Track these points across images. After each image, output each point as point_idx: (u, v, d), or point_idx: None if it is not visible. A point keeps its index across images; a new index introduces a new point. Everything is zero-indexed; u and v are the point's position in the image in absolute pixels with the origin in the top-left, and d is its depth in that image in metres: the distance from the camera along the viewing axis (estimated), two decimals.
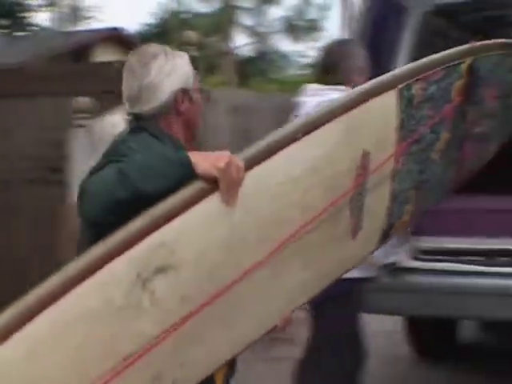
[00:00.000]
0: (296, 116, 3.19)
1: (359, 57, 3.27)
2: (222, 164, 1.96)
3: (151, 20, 23.98)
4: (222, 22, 18.22)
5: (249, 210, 2.05)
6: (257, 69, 18.43)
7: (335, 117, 2.27)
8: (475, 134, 2.98)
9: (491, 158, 3.44)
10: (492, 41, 2.89)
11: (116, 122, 2.53)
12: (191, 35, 4.99)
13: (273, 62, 17.64)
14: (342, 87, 3.13)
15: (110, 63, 5.67)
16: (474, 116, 2.87)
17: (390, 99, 2.42)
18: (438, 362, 5.13)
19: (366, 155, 2.38)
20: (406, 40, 4.44)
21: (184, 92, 2.25)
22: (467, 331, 5.59)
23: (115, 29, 18.90)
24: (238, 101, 6.80)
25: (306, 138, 2.18)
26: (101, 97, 4.87)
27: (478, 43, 2.78)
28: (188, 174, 1.95)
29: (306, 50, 19.17)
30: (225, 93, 7.95)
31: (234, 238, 2.05)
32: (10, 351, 1.68)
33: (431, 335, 5.28)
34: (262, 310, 2.25)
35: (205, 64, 4.58)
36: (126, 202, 1.92)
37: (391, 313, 4.43)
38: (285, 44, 18.69)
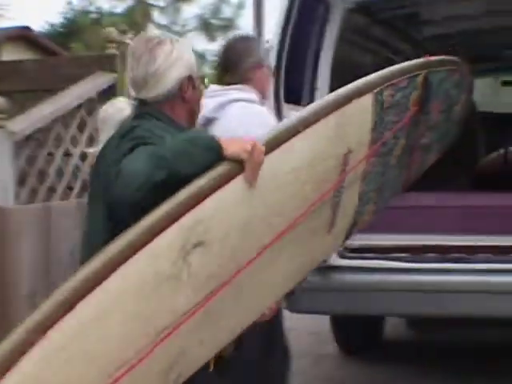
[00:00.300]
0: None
1: (259, 54, 3.11)
2: (249, 147, 2.04)
3: (60, 19, 23.45)
4: (134, 20, 17.98)
5: (261, 196, 2.15)
6: None
7: (328, 113, 2.33)
8: (421, 144, 3.04)
9: None
10: (445, 57, 3.01)
11: (122, 106, 2.55)
12: (112, 32, 4.84)
13: None
14: (242, 86, 3.01)
15: (21, 62, 5.50)
16: (423, 127, 2.95)
17: (367, 102, 2.51)
18: (365, 359, 5.14)
19: (348, 153, 2.46)
20: (329, 36, 4.43)
21: (189, 79, 2.33)
22: (394, 328, 5.62)
23: (24, 28, 18.41)
24: None
25: (306, 131, 2.24)
26: (16, 96, 4.71)
27: (433, 58, 2.89)
28: (216, 156, 2.02)
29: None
30: None
31: (251, 220, 2.14)
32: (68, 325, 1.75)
33: (358, 333, 5.29)
34: (260, 295, 2.37)
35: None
36: (161, 183, 1.95)
37: (320, 312, 4.41)
38: (200, 43, 18.53)
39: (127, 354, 1.89)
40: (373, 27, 5.25)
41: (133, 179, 1.96)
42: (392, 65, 2.69)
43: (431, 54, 2.86)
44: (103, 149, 2.26)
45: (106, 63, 4.69)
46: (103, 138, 2.44)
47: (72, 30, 20.89)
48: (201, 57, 17.20)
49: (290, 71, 4.18)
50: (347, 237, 2.92)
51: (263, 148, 2.08)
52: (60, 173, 4.37)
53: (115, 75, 4.68)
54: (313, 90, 4.33)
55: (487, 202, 4.37)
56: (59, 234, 4.14)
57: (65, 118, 4.39)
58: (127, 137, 2.15)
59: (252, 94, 3.00)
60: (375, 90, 2.51)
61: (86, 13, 21.37)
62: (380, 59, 5.38)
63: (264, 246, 2.19)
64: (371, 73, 2.57)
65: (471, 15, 5.48)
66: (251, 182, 2.06)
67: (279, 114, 3.94)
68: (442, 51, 3.45)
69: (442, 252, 4.09)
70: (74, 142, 4.47)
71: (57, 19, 24.66)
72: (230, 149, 2.04)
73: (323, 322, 5.18)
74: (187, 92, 2.32)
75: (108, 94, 4.62)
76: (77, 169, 4.48)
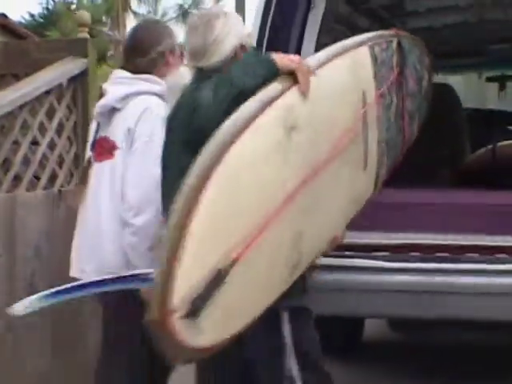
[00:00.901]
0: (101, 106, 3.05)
1: (169, 41, 3.06)
2: (297, 59, 2.38)
3: (39, 9, 23.18)
4: (111, 8, 17.74)
5: (314, 109, 2.42)
6: None
7: (342, 54, 2.63)
8: (407, 108, 3.19)
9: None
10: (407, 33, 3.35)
11: (184, 74, 2.74)
12: (84, 15, 4.62)
13: None
14: (149, 76, 2.99)
15: None
16: (405, 91, 3.14)
17: (365, 52, 2.80)
18: (345, 359, 4.98)
19: (364, 93, 2.72)
20: (311, 24, 4.30)
21: (241, 47, 2.63)
22: (375, 328, 5.47)
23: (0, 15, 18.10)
24: None
25: (332, 63, 2.54)
26: None
27: (400, 31, 3.24)
28: (272, 70, 2.32)
29: None
30: None
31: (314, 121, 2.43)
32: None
33: (338, 333, 5.12)
34: (332, 207, 2.65)
35: (96, 52, 4.31)
36: (233, 99, 2.25)
37: None
38: (180, 33, 18.35)
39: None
40: (356, 17, 5.14)
41: (210, 106, 2.32)
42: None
43: None
44: (172, 113, 2.61)
45: (78, 48, 4.46)
46: (170, 105, 2.69)
47: (52, 20, 20.65)
48: (180, 47, 16.94)
49: None
50: (375, 187, 3.10)
51: (309, 63, 2.40)
52: (26, 162, 4.14)
53: (86, 60, 4.45)
54: None
55: (475, 200, 4.24)
56: (24, 227, 3.92)
57: (32, 105, 4.16)
58: (197, 88, 2.47)
59: (159, 86, 2.99)
60: (369, 43, 2.81)
61: (65, 3, 21.13)
62: None
63: (325, 157, 2.46)
64: None
65: (456, 8, 5.38)
66: (304, 92, 2.32)
67: None
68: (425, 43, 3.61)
69: (426, 251, 3.96)
70: (42, 129, 4.24)
71: (37, 10, 24.39)
72: (280, 62, 2.35)
73: None
74: (240, 58, 2.59)
75: (79, 79, 4.42)
76: (45, 158, 4.25)
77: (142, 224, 2.85)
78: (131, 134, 2.90)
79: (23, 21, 22.09)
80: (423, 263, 3.92)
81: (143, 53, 3.02)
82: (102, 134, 3.04)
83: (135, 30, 3.17)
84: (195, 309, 1.92)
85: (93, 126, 3.15)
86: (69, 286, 2.52)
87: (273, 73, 2.32)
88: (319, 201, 2.50)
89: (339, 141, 2.55)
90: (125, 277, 2.60)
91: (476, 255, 3.91)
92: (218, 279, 1.96)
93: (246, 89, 2.25)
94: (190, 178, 1.94)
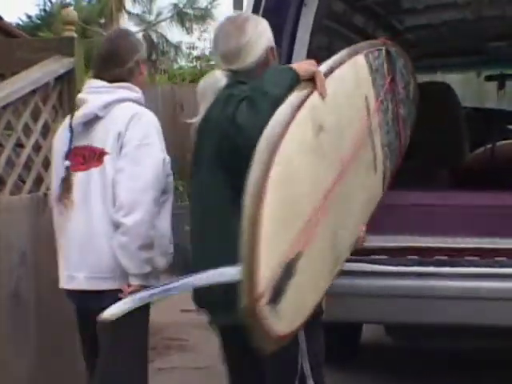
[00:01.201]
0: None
1: (143, 50, 3.16)
2: (314, 63, 2.55)
3: (36, 11, 23.10)
4: (106, 8, 17.61)
5: (333, 111, 2.58)
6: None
7: (343, 62, 2.74)
8: (401, 113, 3.22)
9: None
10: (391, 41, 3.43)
11: (219, 77, 2.70)
12: (70, 13, 4.49)
13: (162, 52, 17.15)
14: (129, 85, 3.06)
15: None
16: (397, 97, 3.18)
17: (362, 60, 2.88)
18: (342, 366, 4.86)
19: (367, 99, 2.83)
20: (304, 20, 4.17)
21: (271, 49, 2.77)
22: (372, 334, 5.34)
23: None
24: None
25: (337, 73, 2.65)
26: None
27: (388, 40, 3.33)
28: (295, 77, 2.47)
29: (196, 42, 18.81)
30: None
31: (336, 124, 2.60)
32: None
33: (334, 338, 4.99)
34: (355, 208, 2.81)
35: (90, 52, 4.20)
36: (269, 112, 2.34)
37: None
38: (175, 33, 18.07)
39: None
40: (351, 14, 5.04)
41: (252, 125, 2.40)
42: None
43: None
44: (205, 117, 2.64)
45: (65, 47, 4.33)
46: (202, 109, 2.70)
47: (48, 21, 20.56)
48: (175, 48, 16.80)
49: None
50: (384, 186, 3.18)
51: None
52: (11, 165, 4.01)
53: (73, 59, 4.32)
54: None
55: (474, 202, 4.13)
56: (8, 231, 3.79)
57: (16, 105, 4.03)
58: (231, 99, 2.53)
59: (138, 94, 3.08)
60: (364, 52, 2.87)
61: (62, 4, 21.02)
62: None
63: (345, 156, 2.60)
64: None
65: (455, 5, 5.27)
66: (322, 94, 2.47)
67: None
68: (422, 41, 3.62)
69: (424, 255, 3.85)
70: (27, 131, 4.11)
71: (35, 11, 24.31)
72: (301, 68, 2.50)
73: None
74: (271, 60, 2.74)
75: (66, 79, 4.29)
76: (30, 161, 4.12)
77: (133, 223, 2.87)
78: (121, 138, 2.93)
79: (20, 22, 22.03)
80: (421, 267, 3.82)
81: (122, 62, 3.07)
82: (78, 143, 3.04)
83: (110, 40, 3.20)
84: (276, 295, 2.18)
85: (62, 135, 3.12)
86: (160, 288, 2.56)
87: (296, 80, 2.47)
88: (346, 202, 2.68)
89: (355, 144, 2.69)
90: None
91: (476, 258, 3.81)
92: (289, 268, 2.23)
93: (279, 99, 2.37)
94: (250, 186, 2.18)
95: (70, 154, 3.04)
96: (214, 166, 2.58)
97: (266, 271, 2.15)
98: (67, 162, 3.03)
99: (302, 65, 2.55)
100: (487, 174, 4.73)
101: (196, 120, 2.71)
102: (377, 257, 3.82)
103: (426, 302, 3.78)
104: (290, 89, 2.43)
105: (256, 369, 2.78)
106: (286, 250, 2.23)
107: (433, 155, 4.89)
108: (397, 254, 3.92)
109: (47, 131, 4.22)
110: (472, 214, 4.11)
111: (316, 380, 2.73)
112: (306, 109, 2.42)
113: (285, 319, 2.28)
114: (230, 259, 2.24)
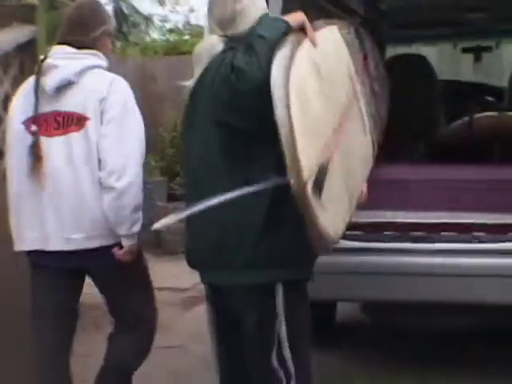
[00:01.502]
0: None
1: (110, 22, 3.25)
2: (303, 15, 2.65)
3: None
4: None
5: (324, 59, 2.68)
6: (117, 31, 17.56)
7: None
8: (376, 92, 3.16)
9: None
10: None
11: (215, 42, 2.73)
12: None
13: (133, 24, 16.90)
14: (97, 52, 3.10)
15: None
16: (370, 76, 3.12)
17: (336, 33, 2.88)
18: (317, 343, 4.76)
19: (349, 67, 2.86)
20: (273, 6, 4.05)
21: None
22: (347, 312, 5.26)
23: None
24: None
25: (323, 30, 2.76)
26: None
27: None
28: (287, 26, 2.60)
29: (169, 14, 18.55)
30: None
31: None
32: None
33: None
34: (357, 166, 2.85)
35: (57, 23, 4.04)
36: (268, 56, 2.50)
37: None
38: (147, 6, 17.75)
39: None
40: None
41: (250, 68, 2.50)
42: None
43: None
44: (199, 80, 2.69)
45: (25, 14, 4.16)
46: (197, 72, 2.72)
47: None
48: (147, 20, 16.54)
49: None
50: (373, 157, 3.13)
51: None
52: None
53: (35, 28, 4.14)
54: None
55: (451, 176, 4.04)
56: None
57: None
58: (224, 62, 2.60)
59: (105, 61, 3.13)
60: (336, 25, 2.88)
61: None
62: None
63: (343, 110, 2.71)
64: None
65: None
66: (313, 41, 2.60)
67: None
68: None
69: (401, 230, 3.77)
70: None
71: None
72: (291, 18, 2.62)
73: None
74: None
75: (27, 49, 4.12)
76: None
77: (126, 186, 2.96)
78: (103, 103, 2.99)
79: None
80: (397, 242, 3.74)
81: (89, 30, 3.11)
82: (47, 109, 3.03)
83: (80, 7, 3.20)
84: (317, 187, 2.44)
85: (22, 102, 3.08)
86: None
87: (288, 29, 2.59)
88: (350, 153, 2.75)
89: (345, 103, 2.76)
90: None
91: (453, 234, 3.72)
92: (323, 170, 2.48)
93: (274, 43, 2.52)
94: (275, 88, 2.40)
95: (36, 119, 3.00)
96: (209, 124, 2.64)
97: (307, 161, 2.40)
98: (34, 127, 3.00)
99: (291, 16, 2.65)
100: (464, 148, 4.63)
101: (189, 83, 2.76)
102: (352, 232, 3.71)
103: (402, 278, 3.71)
104: (283, 36, 2.56)
105: (239, 333, 2.77)
106: (318, 155, 2.47)
107: (408, 129, 4.79)
108: (372, 230, 3.84)
109: (8, 101, 4.04)
110: (448, 188, 4.03)
111: (295, 348, 2.69)
112: (305, 49, 2.55)
113: (328, 213, 2.51)
114: None
